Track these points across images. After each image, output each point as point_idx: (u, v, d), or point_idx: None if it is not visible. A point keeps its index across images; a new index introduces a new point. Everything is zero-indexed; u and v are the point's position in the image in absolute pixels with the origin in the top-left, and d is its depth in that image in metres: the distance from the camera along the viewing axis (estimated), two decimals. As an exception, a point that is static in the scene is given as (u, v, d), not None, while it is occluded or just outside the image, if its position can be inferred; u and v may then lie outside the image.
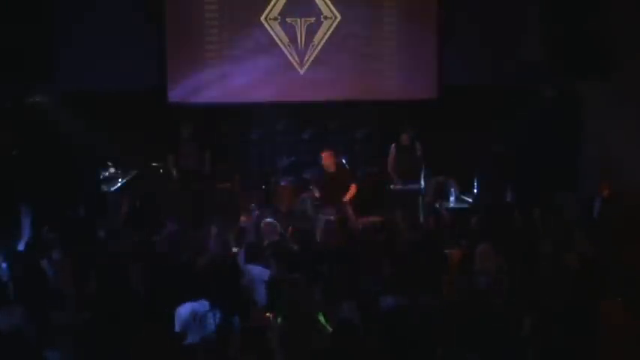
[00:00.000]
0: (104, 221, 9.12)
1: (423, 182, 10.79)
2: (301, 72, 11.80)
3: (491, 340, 5.31)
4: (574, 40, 10.53)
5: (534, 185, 10.62)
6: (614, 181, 9.69)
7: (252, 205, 9.90)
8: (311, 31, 11.70)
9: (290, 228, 8.67)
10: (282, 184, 11.32)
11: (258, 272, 7.29)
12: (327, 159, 10.33)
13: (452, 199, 10.68)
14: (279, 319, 6.00)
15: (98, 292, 6.69)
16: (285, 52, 11.73)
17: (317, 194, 10.22)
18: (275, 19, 11.66)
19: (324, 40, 11.73)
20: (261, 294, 7.02)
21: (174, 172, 10.83)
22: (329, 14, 11.69)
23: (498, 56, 11.37)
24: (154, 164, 11.16)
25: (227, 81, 11.72)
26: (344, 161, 10.84)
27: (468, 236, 8.00)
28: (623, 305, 5.73)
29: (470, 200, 10.76)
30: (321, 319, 5.85)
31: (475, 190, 10.77)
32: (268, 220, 8.55)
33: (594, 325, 5.42)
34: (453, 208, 10.43)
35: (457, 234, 8.21)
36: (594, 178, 10.40)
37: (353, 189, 10.27)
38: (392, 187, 10.91)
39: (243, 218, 9.20)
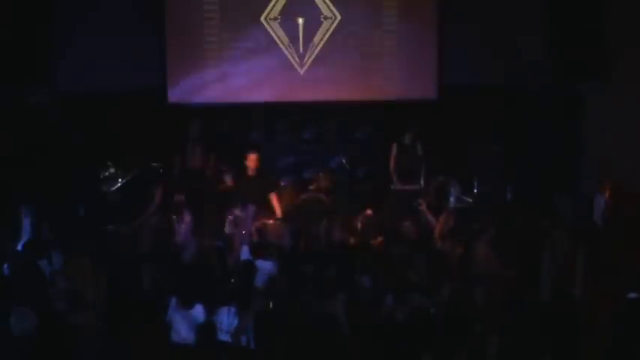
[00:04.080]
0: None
1: (423, 182, 10.80)
2: (301, 72, 11.80)
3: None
4: (574, 40, 10.53)
5: (534, 185, 10.61)
6: (614, 181, 9.68)
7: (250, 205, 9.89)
8: (311, 31, 11.69)
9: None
10: (282, 184, 11.31)
11: (270, 267, 7.39)
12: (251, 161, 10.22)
13: (452, 199, 10.67)
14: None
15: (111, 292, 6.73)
16: (285, 52, 11.73)
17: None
18: (275, 19, 11.66)
19: (324, 40, 11.73)
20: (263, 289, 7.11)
21: (178, 172, 10.83)
22: (329, 14, 11.69)
23: (498, 56, 11.36)
24: (153, 164, 11.15)
25: (227, 81, 11.72)
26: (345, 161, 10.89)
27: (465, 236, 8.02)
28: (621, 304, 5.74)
29: (470, 200, 10.75)
30: None
31: (475, 190, 10.77)
32: (278, 223, 8.65)
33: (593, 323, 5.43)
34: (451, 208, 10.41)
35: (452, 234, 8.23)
36: (594, 178, 10.40)
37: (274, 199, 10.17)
38: (392, 187, 10.90)
39: (236, 212, 9.23)
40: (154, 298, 6.98)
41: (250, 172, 10.28)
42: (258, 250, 7.72)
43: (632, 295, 5.80)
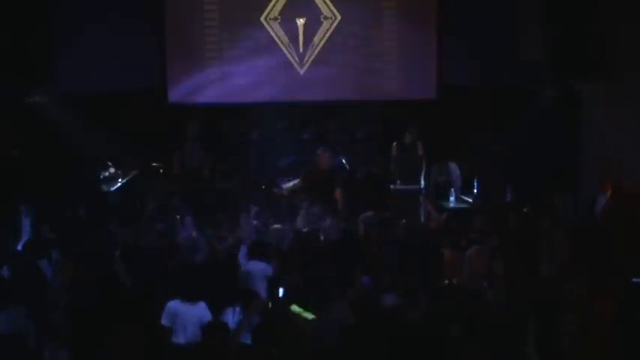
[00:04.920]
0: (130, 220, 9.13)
1: (423, 182, 10.80)
2: (301, 72, 11.80)
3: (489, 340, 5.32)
4: (574, 40, 10.51)
5: (534, 185, 10.61)
6: (615, 181, 9.67)
7: (252, 205, 9.90)
8: (311, 31, 11.70)
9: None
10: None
11: (262, 268, 7.39)
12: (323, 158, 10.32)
13: (452, 199, 10.65)
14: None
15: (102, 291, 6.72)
16: (285, 52, 11.73)
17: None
18: (275, 19, 11.66)
19: (324, 40, 11.73)
20: (262, 289, 7.12)
21: (178, 171, 10.84)
22: (329, 14, 11.69)
23: (498, 56, 11.36)
24: (153, 164, 11.16)
25: (227, 81, 11.73)
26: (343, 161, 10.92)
27: (466, 237, 8.01)
28: (619, 304, 5.73)
29: (470, 200, 10.75)
30: (295, 308, 5.90)
31: (475, 190, 10.76)
32: (277, 226, 8.65)
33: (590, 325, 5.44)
34: (451, 208, 10.41)
35: (453, 234, 8.22)
36: (594, 178, 10.39)
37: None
38: (392, 187, 10.90)
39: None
40: (145, 298, 6.96)
41: (323, 167, 10.29)
42: (254, 251, 7.71)
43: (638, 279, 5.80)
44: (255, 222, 8.82)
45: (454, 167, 10.91)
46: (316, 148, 10.77)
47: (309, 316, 5.89)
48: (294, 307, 6.01)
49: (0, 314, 5.83)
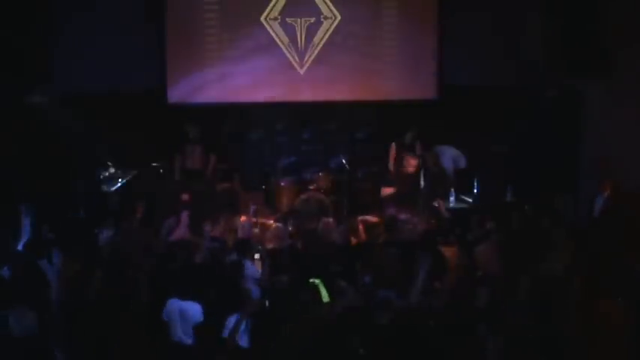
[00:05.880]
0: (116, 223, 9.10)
1: (422, 182, 10.80)
2: (301, 72, 11.80)
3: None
4: (574, 40, 10.51)
5: (534, 185, 10.61)
6: (614, 181, 9.67)
7: (252, 204, 9.90)
8: (311, 31, 11.70)
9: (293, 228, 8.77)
10: (282, 184, 11.31)
11: (251, 270, 7.40)
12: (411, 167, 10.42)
13: (452, 199, 10.64)
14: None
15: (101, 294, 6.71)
16: (285, 52, 11.73)
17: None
18: (275, 19, 11.66)
19: (324, 40, 11.73)
20: (252, 291, 7.13)
21: (178, 173, 10.83)
22: (329, 14, 11.69)
23: (498, 56, 11.36)
24: (153, 164, 11.15)
25: (227, 81, 11.73)
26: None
27: (468, 236, 8.01)
28: (623, 305, 5.73)
29: (470, 200, 10.75)
30: (318, 284, 5.85)
31: (475, 190, 10.77)
32: (278, 225, 8.65)
33: (592, 325, 5.43)
34: (452, 208, 10.42)
35: (457, 234, 8.22)
36: (594, 178, 10.39)
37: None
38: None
39: (243, 218, 9.23)
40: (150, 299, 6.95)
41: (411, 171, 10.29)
42: (239, 249, 7.71)
43: None
44: (253, 222, 8.82)
45: (444, 153, 10.87)
46: (316, 148, 10.79)
47: (325, 297, 5.84)
48: (316, 280, 5.95)
49: (9, 317, 5.82)
